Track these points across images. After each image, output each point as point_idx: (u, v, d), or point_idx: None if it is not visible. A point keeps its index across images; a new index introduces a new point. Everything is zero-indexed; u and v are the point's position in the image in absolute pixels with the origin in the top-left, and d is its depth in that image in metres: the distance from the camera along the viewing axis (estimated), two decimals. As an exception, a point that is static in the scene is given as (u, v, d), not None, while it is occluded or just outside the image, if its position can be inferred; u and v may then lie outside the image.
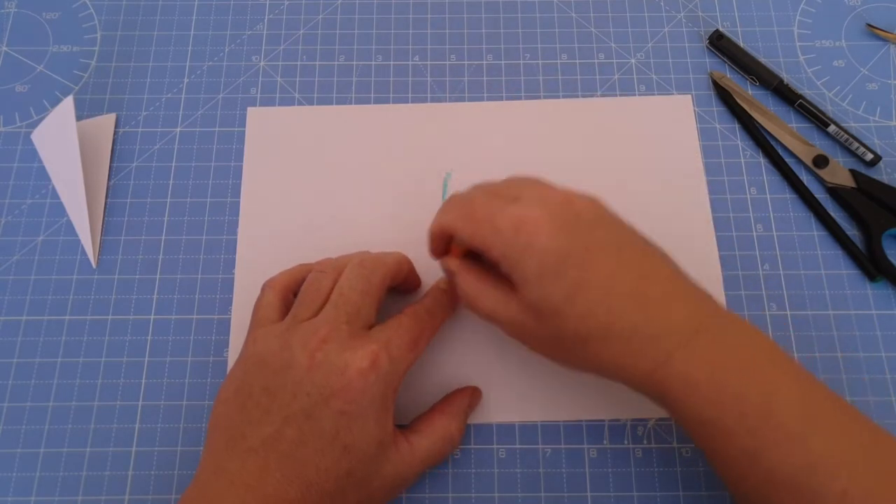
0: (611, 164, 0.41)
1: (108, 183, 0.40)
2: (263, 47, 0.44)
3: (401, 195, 0.40)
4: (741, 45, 0.43)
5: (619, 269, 0.28)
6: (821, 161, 0.40)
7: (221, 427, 0.30)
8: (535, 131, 0.41)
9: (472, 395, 0.35)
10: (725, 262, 0.39)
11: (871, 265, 0.38)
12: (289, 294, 0.34)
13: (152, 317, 0.38)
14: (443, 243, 0.33)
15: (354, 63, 0.44)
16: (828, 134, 0.41)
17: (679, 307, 0.28)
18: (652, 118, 0.42)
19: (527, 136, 0.41)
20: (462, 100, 0.43)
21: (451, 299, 0.36)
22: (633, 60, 0.44)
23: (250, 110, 0.42)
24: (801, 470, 0.26)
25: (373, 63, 0.44)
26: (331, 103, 0.42)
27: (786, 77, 0.43)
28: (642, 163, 0.41)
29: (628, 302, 0.28)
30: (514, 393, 0.36)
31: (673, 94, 0.43)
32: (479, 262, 0.32)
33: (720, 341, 0.28)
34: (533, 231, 0.28)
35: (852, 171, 0.40)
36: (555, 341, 0.29)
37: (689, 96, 0.43)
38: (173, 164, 0.41)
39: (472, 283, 0.31)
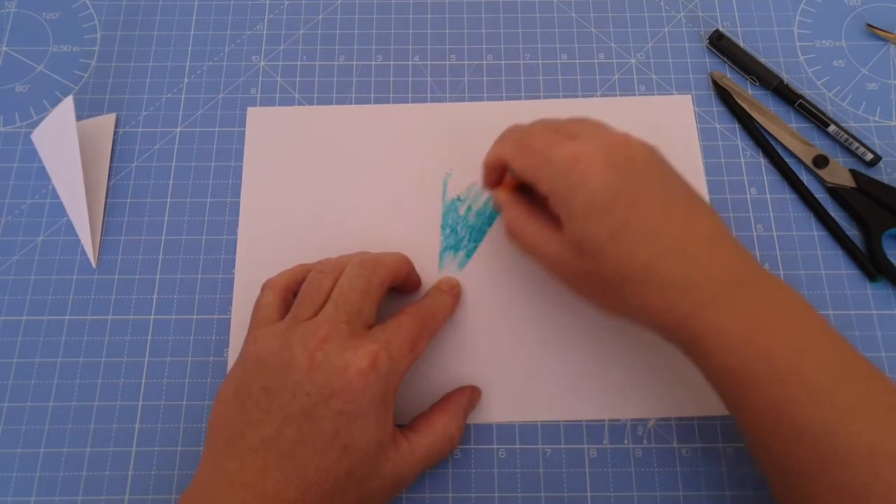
0: (611, 164, 0.41)
1: (108, 183, 0.40)
2: (263, 47, 0.44)
3: (401, 195, 0.40)
4: (741, 45, 0.43)
5: (665, 215, 0.28)
6: (821, 161, 0.40)
7: (221, 427, 0.30)
8: (535, 131, 0.41)
9: (471, 395, 0.35)
10: (725, 262, 0.39)
11: (871, 265, 0.38)
12: (288, 294, 0.34)
13: (152, 317, 0.38)
14: (496, 174, 0.34)
15: (354, 63, 0.44)
16: (828, 134, 0.41)
17: (719, 259, 0.28)
18: (652, 118, 0.42)
19: (527, 136, 0.41)
20: (462, 100, 0.43)
21: (451, 299, 0.36)
22: (633, 60, 0.44)
23: (250, 110, 0.42)
24: (826, 424, 0.25)
25: (373, 63, 0.44)
26: (331, 103, 0.42)
27: (786, 77, 0.43)
28: (642, 163, 0.41)
29: (671, 248, 0.28)
30: (514, 393, 0.36)
31: (673, 94, 0.43)
32: (527, 197, 0.33)
33: (756, 296, 0.28)
34: (586, 168, 0.28)
35: (852, 171, 0.40)
36: (592, 279, 0.30)
37: (689, 96, 0.43)
38: (173, 164, 0.41)
39: (518, 215, 0.32)
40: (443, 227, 0.39)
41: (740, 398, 0.28)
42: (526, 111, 0.42)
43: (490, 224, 0.39)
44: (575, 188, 0.28)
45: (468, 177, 0.40)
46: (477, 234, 0.39)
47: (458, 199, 0.40)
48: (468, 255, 0.38)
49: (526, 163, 0.31)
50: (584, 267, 0.29)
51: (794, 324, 0.28)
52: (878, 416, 0.26)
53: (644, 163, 0.30)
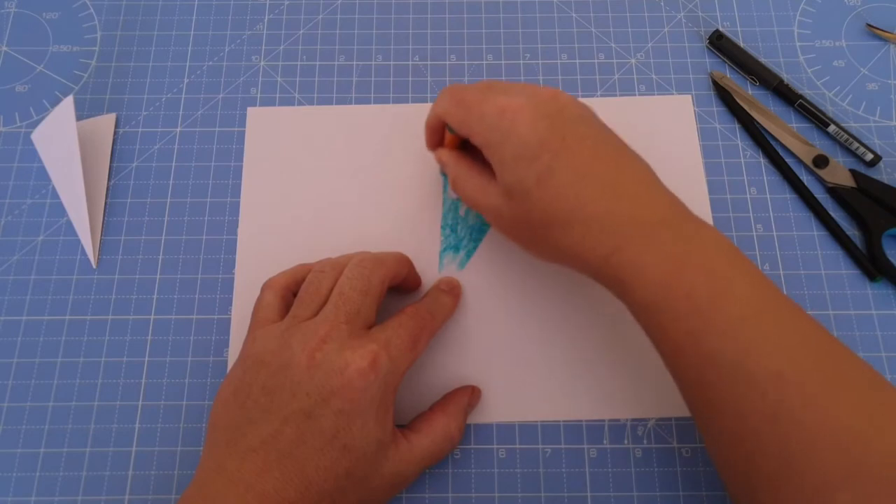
0: (611, 164, 0.40)
1: (108, 183, 0.40)
2: (263, 47, 0.44)
3: (401, 195, 0.40)
4: (741, 45, 0.43)
5: (593, 161, 0.29)
6: (821, 161, 0.40)
7: (221, 426, 0.30)
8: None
9: (471, 394, 0.35)
10: (725, 262, 0.39)
11: (871, 265, 0.38)
12: (288, 294, 0.34)
13: (152, 317, 0.38)
14: (437, 134, 0.35)
15: (354, 63, 0.44)
16: (828, 134, 0.41)
17: (645, 200, 0.29)
18: (652, 118, 0.42)
19: (527, 136, 0.41)
20: (462, 100, 0.43)
21: (451, 299, 0.36)
22: (633, 60, 0.44)
23: (250, 110, 0.42)
24: (739, 352, 0.26)
25: (373, 63, 0.44)
26: (331, 103, 0.42)
27: (786, 77, 0.43)
28: (642, 163, 0.41)
29: (598, 190, 0.29)
30: (514, 393, 0.36)
31: (673, 94, 0.43)
32: (469, 155, 0.34)
33: (679, 236, 0.28)
34: (514, 117, 0.30)
35: (852, 171, 0.40)
36: (524, 225, 0.31)
37: (689, 96, 0.43)
38: (173, 164, 0.41)
39: (460, 170, 0.34)
40: (443, 228, 0.39)
41: (661, 331, 0.28)
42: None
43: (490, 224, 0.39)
44: (505, 136, 0.30)
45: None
46: (477, 234, 0.39)
47: (459, 199, 0.40)
48: (468, 256, 0.38)
49: (461, 117, 0.32)
50: (515, 212, 0.30)
51: (717, 264, 0.28)
52: (788, 346, 0.26)
53: (574, 114, 0.31)
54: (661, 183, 0.31)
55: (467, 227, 0.39)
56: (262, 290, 0.34)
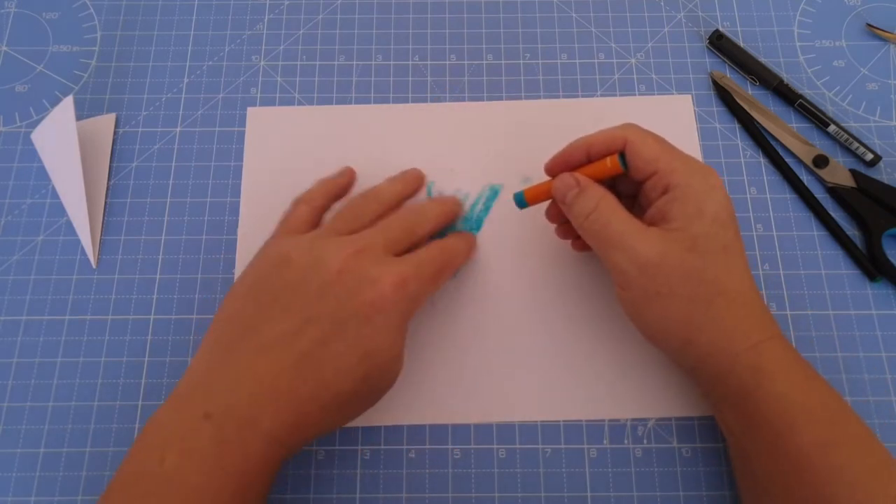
0: (611, 164, 0.40)
1: (108, 183, 0.40)
2: (263, 47, 0.44)
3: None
4: (741, 45, 0.43)
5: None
6: (821, 161, 0.40)
7: (231, 321, 0.30)
8: (536, 131, 0.41)
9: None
10: (725, 262, 0.38)
11: (871, 265, 0.38)
12: (322, 213, 0.35)
13: (152, 317, 0.38)
14: (584, 156, 0.32)
15: (354, 63, 0.44)
16: (828, 134, 0.41)
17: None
18: (652, 118, 0.42)
19: (527, 135, 0.41)
20: (462, 100, 0.43)
21: (468, 246, 0.36)
22: (633, 60, 0.44)
23: (250, 110, 0.42)
24: (867, 471, 0.27)
25: (373, 63, 0.44)
26: (331, 103, 0.42)
27: (786, 77, 0.43)
28: (642, 163, 0.41)
29: (752, 282, 0.31)
30: (515, 393, 0.36)
31: (673, 94, 0.43)
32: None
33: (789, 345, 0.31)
34: (719, 183, 0.31)
35: (852, 171, 0.40)
36: (691, 280, 0.29)
37: (689, 96, 0.43)
38: (173, 164, 0.41)
39: (608, 199, 0.31)
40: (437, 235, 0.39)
41: (790, 434, 0.28)
42: (526, 111, 0.42)
43: (477, 230, 0.39)
44: (711, 191, 0.30)
45: (467, 178, 0.40)
46: None
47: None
48: None
49: (661, 149, 0.31)
50: (691, 264, 0.29)
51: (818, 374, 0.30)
52: None
53: None
54: None
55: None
56: (297, 203, 0.35)
